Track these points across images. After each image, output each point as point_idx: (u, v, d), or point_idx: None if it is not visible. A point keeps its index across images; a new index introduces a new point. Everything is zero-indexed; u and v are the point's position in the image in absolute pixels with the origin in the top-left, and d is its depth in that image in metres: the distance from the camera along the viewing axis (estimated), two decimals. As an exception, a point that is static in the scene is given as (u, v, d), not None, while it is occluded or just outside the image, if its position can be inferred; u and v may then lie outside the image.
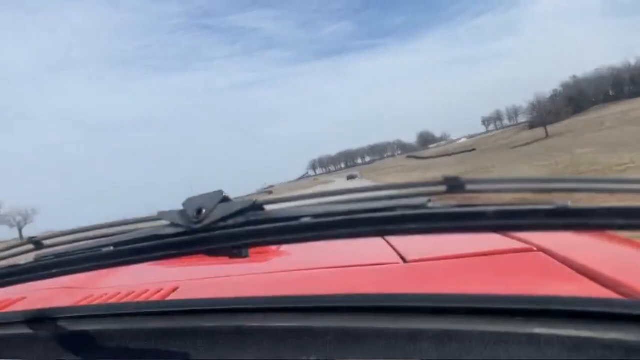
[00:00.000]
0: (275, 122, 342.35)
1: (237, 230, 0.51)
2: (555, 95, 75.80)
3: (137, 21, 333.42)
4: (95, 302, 0.82)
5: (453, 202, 0.47)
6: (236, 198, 0.51)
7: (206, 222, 0.52)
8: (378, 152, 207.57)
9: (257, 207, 0.53)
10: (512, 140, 75.07)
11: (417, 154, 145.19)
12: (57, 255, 0.61)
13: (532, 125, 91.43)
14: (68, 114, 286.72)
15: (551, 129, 61.77)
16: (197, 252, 0.54)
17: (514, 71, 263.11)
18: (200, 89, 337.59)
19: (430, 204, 0.47)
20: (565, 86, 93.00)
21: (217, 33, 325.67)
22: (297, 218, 0.51)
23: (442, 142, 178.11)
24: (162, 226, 0.55)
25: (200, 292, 0.83)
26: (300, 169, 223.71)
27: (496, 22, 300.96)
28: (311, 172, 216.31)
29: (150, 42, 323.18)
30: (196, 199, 0.55)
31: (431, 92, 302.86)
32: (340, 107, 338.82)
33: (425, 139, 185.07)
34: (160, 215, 0.56)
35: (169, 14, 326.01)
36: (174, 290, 0.82)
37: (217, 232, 0.52)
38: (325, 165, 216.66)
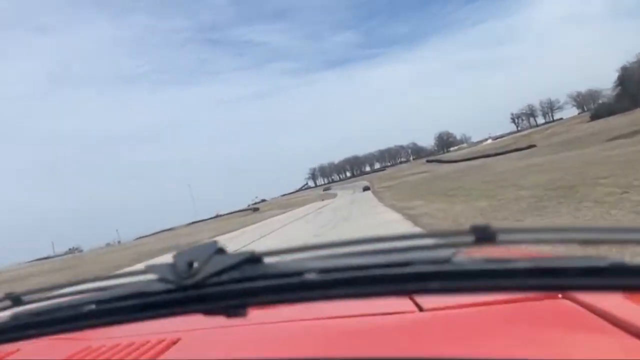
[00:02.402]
0: (286, 132, 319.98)
1: (232, 287, 0.46)
2: (625, 78, 53.39)
3: (144, 36, 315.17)
4: None
5: (481, 256, 0.41)
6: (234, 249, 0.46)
7: (198, 277, 0.46)
8: (390, 157, 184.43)
9: (255, 259, 0.47)
10: (593, 131, 51.85)
11: (439, 157, 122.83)
12: (36, 314, 0.55)
13: (596, 115, 69.92)
14: (74, 130, 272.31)
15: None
16: (188, 312, 0.48)
17: (526, 74, 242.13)
18: (208, 102, 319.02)
19: (455, 259, 0.40)
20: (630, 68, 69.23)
21: (224, 47, 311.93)
22: (299, 273, 0.45)
23: (464, 145, 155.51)
24: (149, 281, 0.49)
25: (192, 354, 0.73)
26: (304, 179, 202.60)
27: (501, 28, 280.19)
28: (311, 183, 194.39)
29: (158, 56, 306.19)
30: (188, 251, 0.49)
31: (442, 96, 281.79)
32: (350, 115, 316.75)
33: (445, 141, 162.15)
34: (148, 269, 0.50)
35: (176, 29, 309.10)
36: (162, 353, 0.70)
37: (210, 289, 0.46)
38: (328, 174, 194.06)
